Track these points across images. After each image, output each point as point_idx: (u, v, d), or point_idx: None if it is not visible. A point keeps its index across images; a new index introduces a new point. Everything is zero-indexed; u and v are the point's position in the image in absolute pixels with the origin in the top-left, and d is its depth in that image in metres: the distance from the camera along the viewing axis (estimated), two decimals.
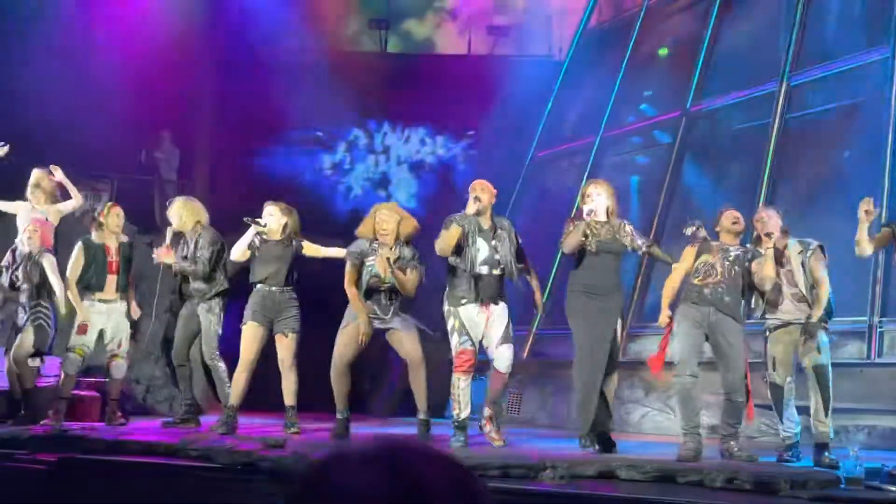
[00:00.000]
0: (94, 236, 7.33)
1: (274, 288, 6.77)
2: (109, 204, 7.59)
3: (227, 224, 7.44)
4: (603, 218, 6.09)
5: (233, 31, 13.43)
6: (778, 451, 5.86)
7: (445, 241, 6.09)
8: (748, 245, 6.06)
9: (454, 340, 6.15)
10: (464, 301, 6.11)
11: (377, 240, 6.44)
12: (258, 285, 6.81)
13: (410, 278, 6.38)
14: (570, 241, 5.98)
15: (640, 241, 6.13)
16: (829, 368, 5.72)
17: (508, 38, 14.86)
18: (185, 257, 7.10)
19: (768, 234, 5.85)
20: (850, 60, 8.37)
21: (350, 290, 6.40)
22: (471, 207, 6.13)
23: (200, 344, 7.11)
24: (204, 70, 13.36)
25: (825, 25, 8.82)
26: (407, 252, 6.47)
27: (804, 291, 5.84)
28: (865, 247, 5.69)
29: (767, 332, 6.00)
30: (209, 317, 7.04)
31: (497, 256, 6.16)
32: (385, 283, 6.37)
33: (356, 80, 13.15)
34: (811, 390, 5.72)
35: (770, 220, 5.93)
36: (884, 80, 8.00)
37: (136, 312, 7.41)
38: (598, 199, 6.08)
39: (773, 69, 9.11)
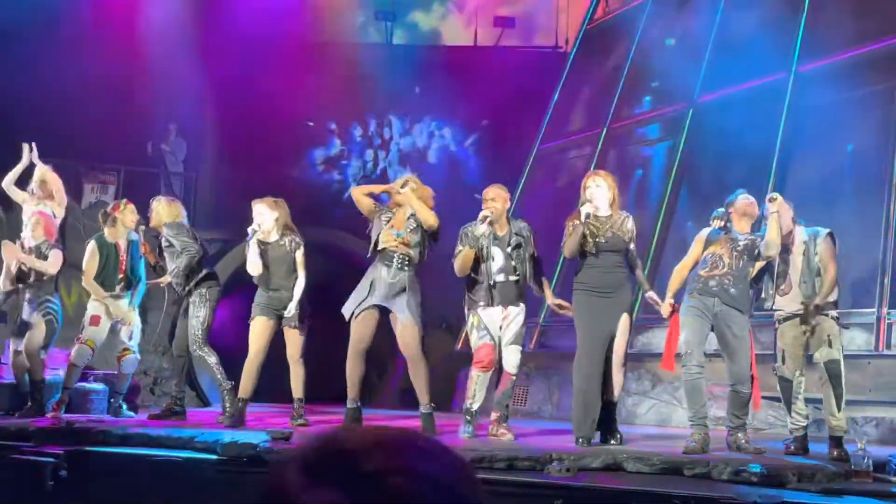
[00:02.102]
0: (107, 234, 7.34)
1: (280, 291, 6.80)
2: (124, 201, 7.62)
3: (233, 216, 7.44)
4: (606, 212, 6.00)
5: (241, 24, 13.40)
6: (785, 443, 5.83)
7: (461, 263, 6.19)
8: (759, 234, 5.97)
9: (473, 337, 6.20)
10: (482, 305, 6.17)
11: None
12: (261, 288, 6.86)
13: (419, 208, 6.35)
14: (569, 246, 5.93)
15: (633, 248, 6.03)
16: (842, 363, 5.68)
17: (514, 30, 14.82)
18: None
19: (772, 199, 5.73)
20: (858, 50, 8.30)
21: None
22: (479, 229, 6.14)
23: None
24: (211, 62, 13.34)
25: (834, 14, 8.74)
26: None
27: (798, 279, 5.78)
28: None
29: (777, 324, 5.96)
30: (193, 308, 7.09)
31: (513, 263, 6.19)
32: (399, 239, 6.35)
33: (362, 72, 13.13)
34: (823, 385, 5.67)
35: (776, 199, 5.84)
36: (893, 70, 7.94)
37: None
38: (597, 192, 5.97)
39: (782, 59, 9.05)
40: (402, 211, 6.49)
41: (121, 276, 7.30)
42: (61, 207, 7.82)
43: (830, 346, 5.64)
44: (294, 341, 6.82)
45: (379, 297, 6.36)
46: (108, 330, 7.27)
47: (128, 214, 7.39)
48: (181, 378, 7.37)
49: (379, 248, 6.44)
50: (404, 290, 6.33)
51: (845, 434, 5.62)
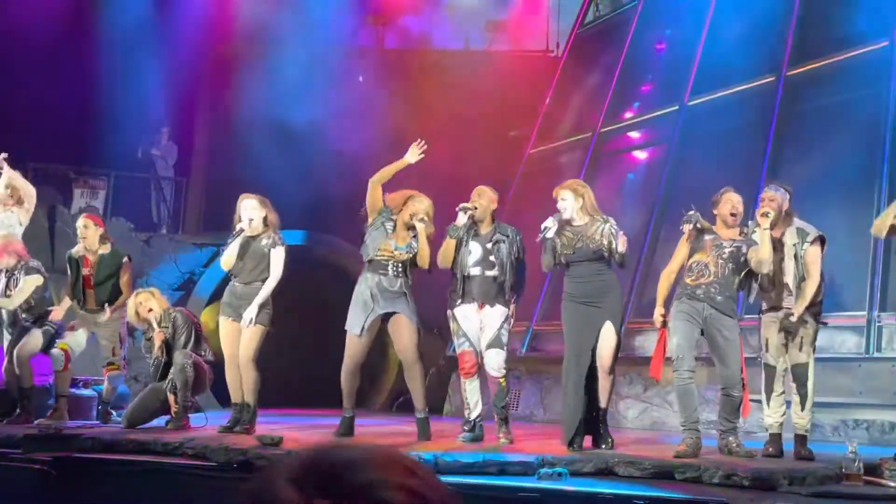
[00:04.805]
0: (75, 248, 7.28)
1: (237, 284, 6.61)
2: (84, 215, 7.53)
3: (223, 220, 7.40)
4: (579, 221, 5.94)
5: (231, 28, 13.39)
6: (764, 446, 5.80)
7: (441, 255, 6.25)
8: (746, 227, 5.94)
9: (455, 344, 6.24)
10: (458, 302, 6.19)
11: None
12: (230, 280, 6.76)
13: (424, 246, 6.26)
14: (544, 263, 6.00)
15: (617, 248, 5.85)
16: (811, 367, 5.74)
17: (506, 34, 14.82)
18: None
19: (765, 214, 5.68)
20: (849, 52, 8.32)
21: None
22: (460, 219, 6.16)
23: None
24: (203, 67, 13.32)
25: (824, 17, 8.77)
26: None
27: (791, 284, 5.78)
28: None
29: (761, 314, 5.98)
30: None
31: (492, 258, 6.16)
32: (397, 252, 6.28)
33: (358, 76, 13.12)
34: (792, 385, 5.76)
35: (772, 202, 5.79)
36: (883, 72, 7.96)
37: (106, 314, 7.19)
38: (564, 205, 5.94)
39: (772, 62, 9.07)
40: (406, 226, 6.35)
41: (89, 290, 7.18)
42: (28, 215, 7.68)
43: (801, 349, 5.68)
44: (248, 340, 6.49)
45: (382, 306, 6.28)
46: (84, 335, 7.17)
47: (80, 230, 7.23)
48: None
49: (375, 255, 6.31)
50: (404, 294, 6.30)
51: (807, 433, 5.70)
